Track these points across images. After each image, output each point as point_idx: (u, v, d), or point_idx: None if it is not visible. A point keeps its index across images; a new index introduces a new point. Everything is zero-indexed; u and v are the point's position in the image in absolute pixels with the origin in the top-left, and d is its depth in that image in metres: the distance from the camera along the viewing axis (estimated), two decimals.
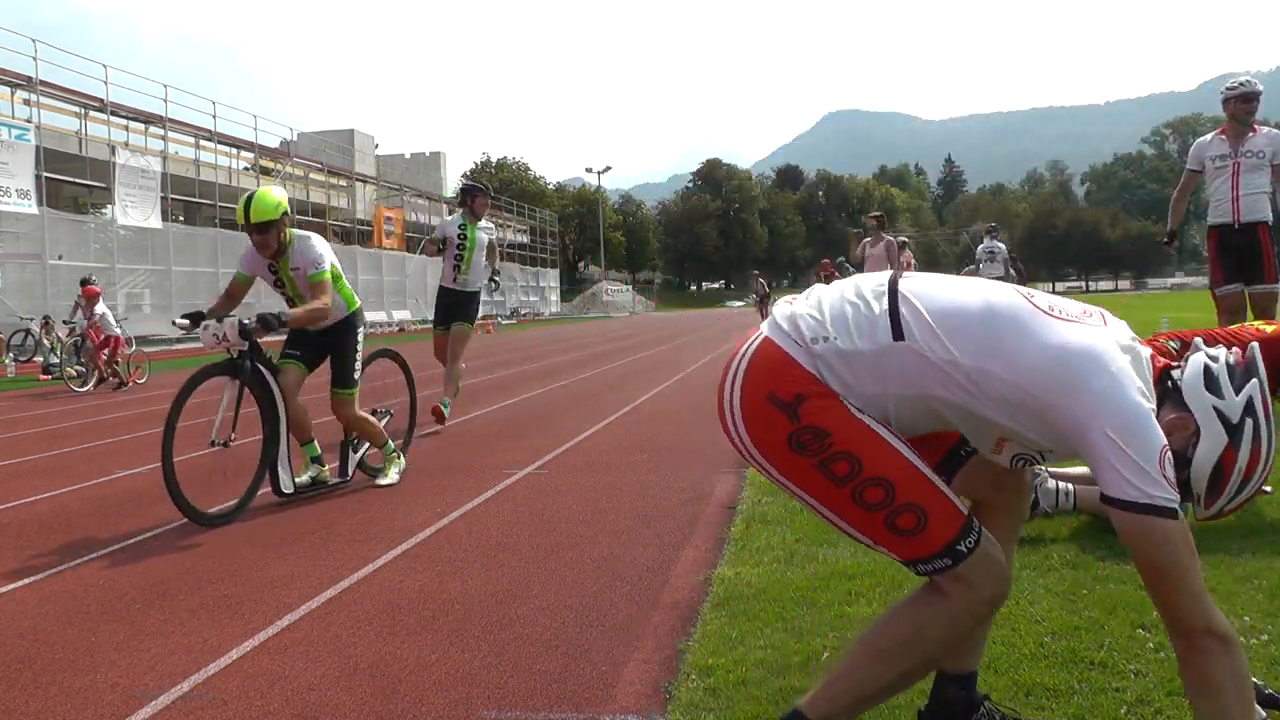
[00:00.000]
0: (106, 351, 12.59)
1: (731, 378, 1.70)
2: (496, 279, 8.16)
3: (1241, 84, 6.08)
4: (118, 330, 12.92)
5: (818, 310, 1.67)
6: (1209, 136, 6.26)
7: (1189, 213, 6.60)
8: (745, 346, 1.72)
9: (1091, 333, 1.59)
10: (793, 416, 1.60)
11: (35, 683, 2.50)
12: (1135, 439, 1.49)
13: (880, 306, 1.62)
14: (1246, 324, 3.51)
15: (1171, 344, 3.42)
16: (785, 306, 1.73)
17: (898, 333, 1.59)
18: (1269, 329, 3.36)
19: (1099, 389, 1.51)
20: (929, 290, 1.65)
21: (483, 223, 7.77)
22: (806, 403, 1.59)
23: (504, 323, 46.08)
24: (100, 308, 12.93)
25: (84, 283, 13.59)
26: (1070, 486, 3.50)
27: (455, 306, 7.50)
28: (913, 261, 16.77)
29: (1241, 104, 5.99)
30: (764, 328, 1.73)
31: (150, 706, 2.32)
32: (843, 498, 1.60)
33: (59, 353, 15.64)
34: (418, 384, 6.08)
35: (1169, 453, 1.51)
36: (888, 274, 1.73)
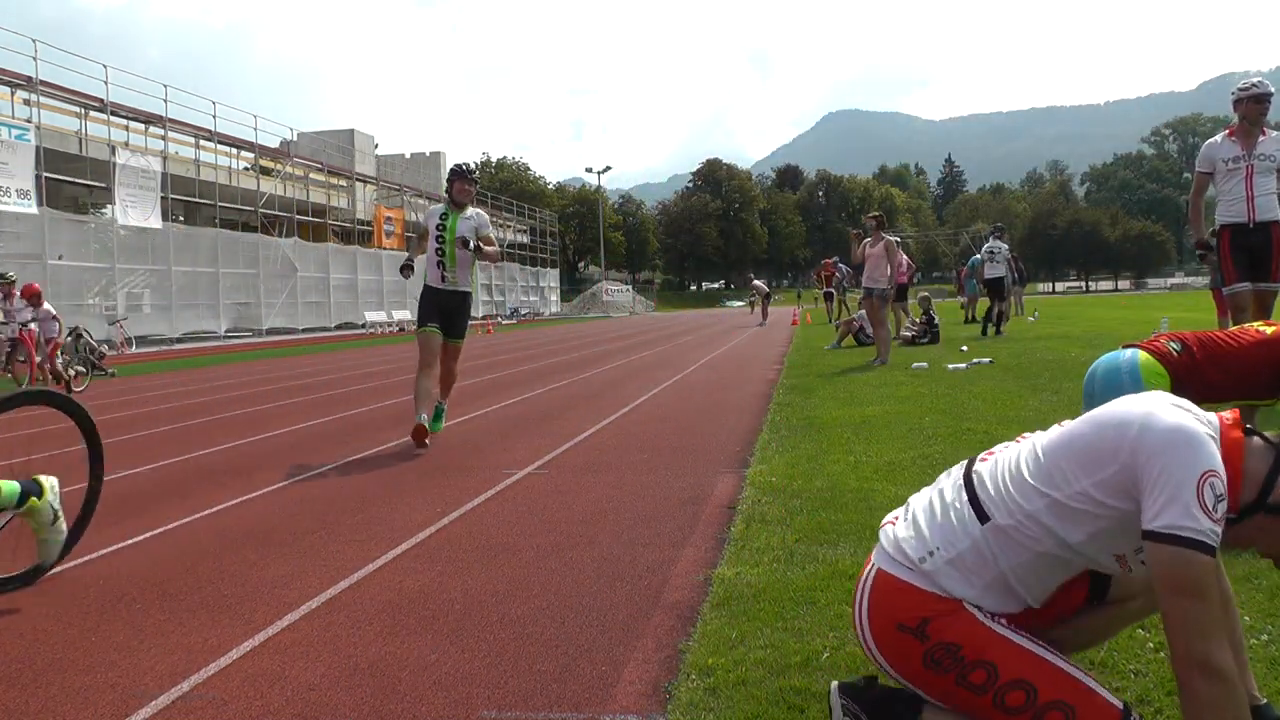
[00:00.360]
0: (40, 355, 12.01)
1: (857, 609, 1.79)
2: (474, 248, 6.57)
3: (1255, 84, 6.09)
4: (59, 335, 12.61)
5: (914, 528, 1.77)
6: (1219, 139, 6.26)
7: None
8: (863, 577, 1.81)
9: (1126, 401, 1.66)
10: (922, 638, 1.66)
11: (35, 683, 2.50)
12: (1170, 467, 1.51)
13: (962, 498, 1.74)
14: (1247, 325, 3.50)
15: (1173, 345, 3.41)
16: (890, 529, 1.83)
17: (982, 516, 1.69)
18: (1269, 330, 3.35)
19: (1141, 429, 1.56)
20: (993, 464, 1.77)
21: (470, 211, 6.66)
22: (932, 622, 1.66)
23: (504, 323, 46.07)
24: (47, 307, 12.58)
25: (2, 279, 12.40)
26: None
27: (449, 312, 6.67)
28: (904, 260, 16.80)
29: (1254, 105, 6.01)
30: (875, 557, 1.82)
31: (150, 706, 2.32)
32: (985, 706, 1.63)
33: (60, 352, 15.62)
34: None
35: (1213, 479, 1.51)
36: (963, 465, 1.84)
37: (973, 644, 1.63)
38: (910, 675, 1.71)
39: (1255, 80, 6.15)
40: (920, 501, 1.84)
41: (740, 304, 64.16)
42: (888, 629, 1.71)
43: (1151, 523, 1.52)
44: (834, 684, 1.92)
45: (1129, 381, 3.34)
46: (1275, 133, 6.10)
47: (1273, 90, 6.09)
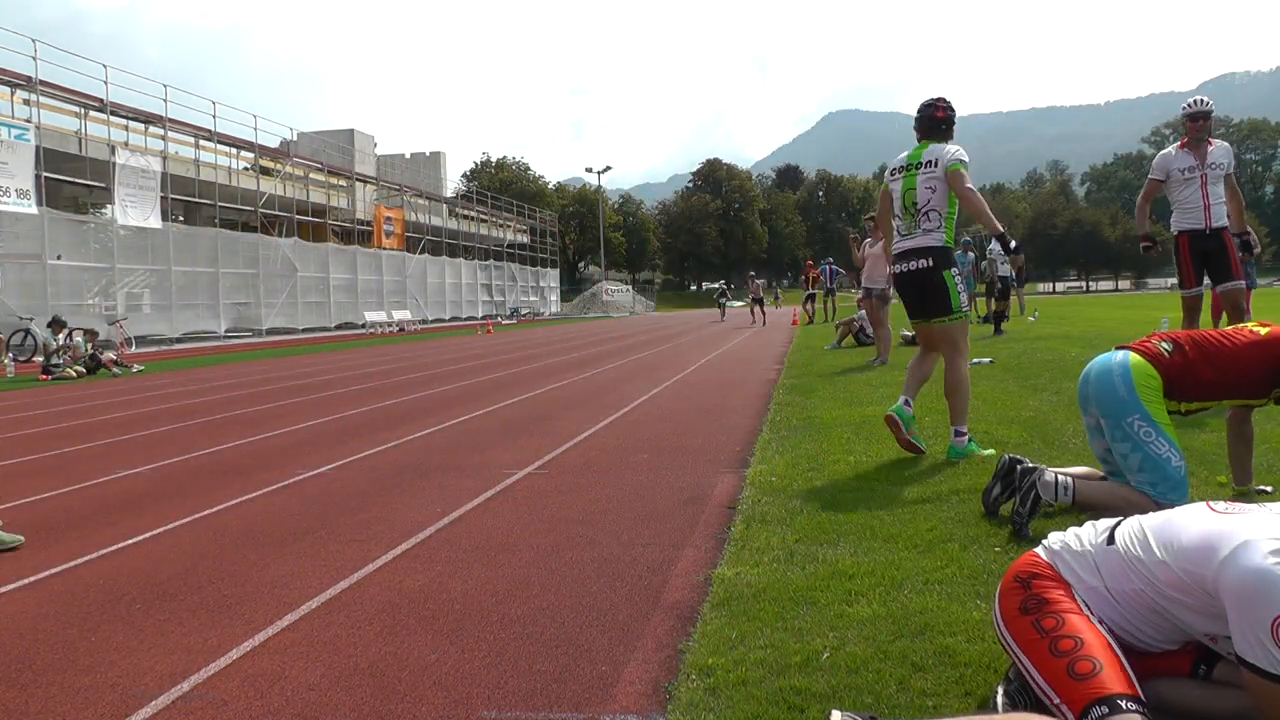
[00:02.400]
0: None
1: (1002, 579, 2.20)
2: None
3: (1192, 103, 6.57)
4: None
5: (1070, 531, 2.19)
6: (1172, 150, 6.67)
7: (1151, 218, 7.21)
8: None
9: (1243, 518, 1.86)
10: (1026, 587, 2.07)
11: (35, 683, 2.50)
12: (1249, 606, 1.71)
13: (1108, 524, 2.13)
14: (1241, 325, 3.52)
15: (1164, 345, 3.44)
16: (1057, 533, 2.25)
17: (1110, 540, 2.07)
18: (1263, 331, 3.37)
19: (1225, 558, 1.78)
20: (1140, 516, 2.12)
21: None
22: (1037, 579, 2.08)
23: (504, 323, 46.06)
24: None
25: None
26: (1070, 481, 3.50)
27: None
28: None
29: (1190, 122, 6.51)
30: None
31: (150, 706, 2.32)
32: (1042, 646, 1.94)
33: (60, 353, 15.64)
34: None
35: None
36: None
37: (1058, 604, 2.00)
38: (1007, 618, 2.04)
39: (1194, 99, 6.59)
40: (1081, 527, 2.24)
41: (740, 304, 58.99)
42: (1009, 580, 2.12)
43: (1239, 650, 1.73)
44: (835, 713, 1.92)
45: (1122, 385, 3.38)
46: (1218, 143, 6.51)
47: (1209, 109, 6.50)
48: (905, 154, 5.34)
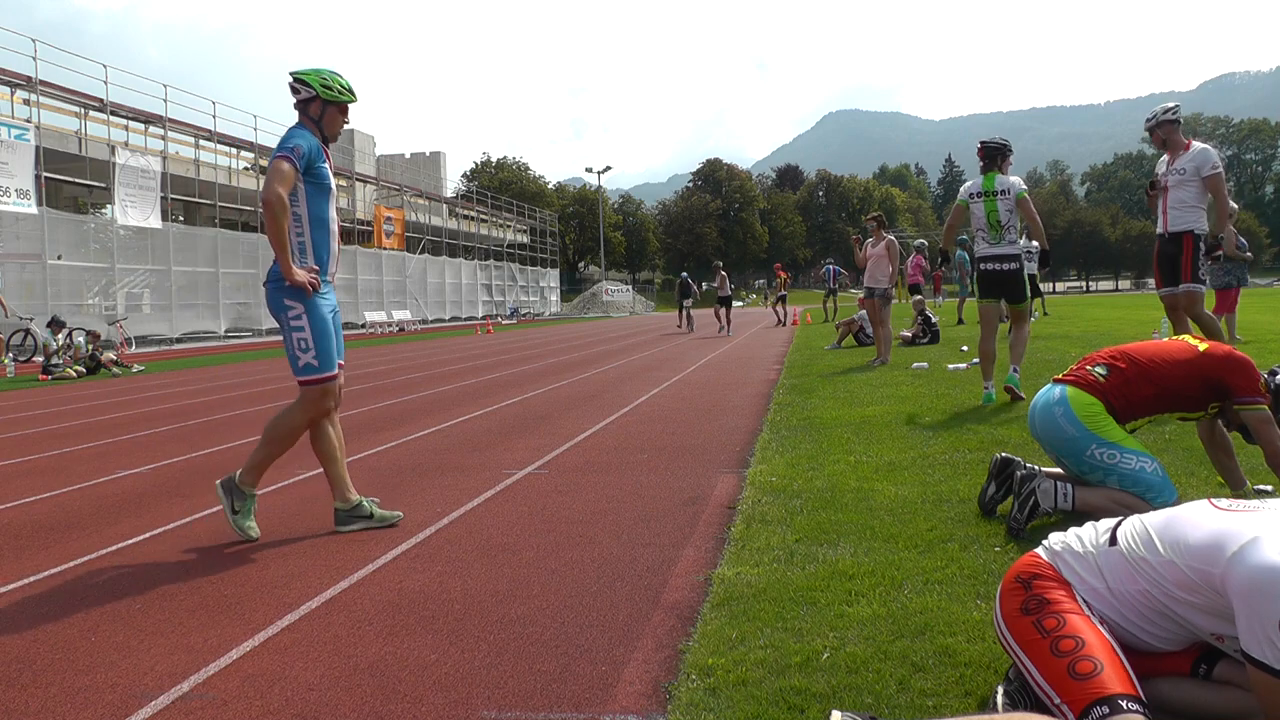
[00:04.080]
0: None
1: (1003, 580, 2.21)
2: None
3: (1149, 116, 6.73)
4: None
5: (1072, 532, 2.20)
6: (1165, 156, 6.81)
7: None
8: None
9: (1251, 516, 1.86)
10: (1027, 587, 2.08)
11: (35, 683, 2.50)
12: (1256, 603, 1.71)
13: (1109, 525, 2.14)
14: (1179, 339, 3.56)
15: (1098, 370, 3.49)
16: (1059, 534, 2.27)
17: (1113, 540, 2.08)
18: (1201, 347, 3.41)
19: (1233, 555, 1.78)
20: (1142, 515, 2.13)
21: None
22: (1039, 580, 2.09)
23: (504, 323, 46.06)
24: None
25: None
26: (1069, 487, 3.50)
27: None
28: (914, 260, 16.78)
29: (1152, 134, 6.67)
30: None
31: (150, 706, 2.32)
32: (1043, 646, 1.95)
33: (60, 353, 15.64)
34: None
35: None
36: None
37: (1059, 604, 2.01)
38: (1009, 618, 2.05)
39: (1152, 111, 6.73)
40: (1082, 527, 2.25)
41: (740, 304, 58.57)
42: (1010, 580, 2.13)
43: (1246, 648, 1.73)
44: (835, 713, 1.93)
45: (1067, 423, 3.47)
46: (1195, 146, 6.62)
47: (1153, 121, 6.65)
48: (978, 181, 7.06)
